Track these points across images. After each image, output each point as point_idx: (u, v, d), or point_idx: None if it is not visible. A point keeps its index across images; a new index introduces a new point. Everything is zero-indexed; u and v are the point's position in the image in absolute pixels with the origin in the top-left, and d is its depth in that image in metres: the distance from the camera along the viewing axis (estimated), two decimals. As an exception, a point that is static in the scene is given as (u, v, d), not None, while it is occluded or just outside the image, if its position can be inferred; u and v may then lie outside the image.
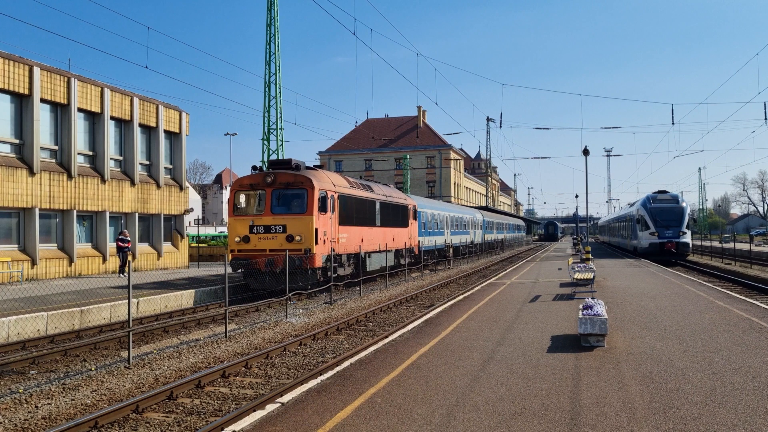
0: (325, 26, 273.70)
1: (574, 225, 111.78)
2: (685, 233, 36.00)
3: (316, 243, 19.67)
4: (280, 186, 20.12)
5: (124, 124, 28.47)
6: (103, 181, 26.61)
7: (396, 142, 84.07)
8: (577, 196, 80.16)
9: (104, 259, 26.50)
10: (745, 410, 6.41)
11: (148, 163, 29.99)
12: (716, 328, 11.42)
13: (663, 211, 36.82)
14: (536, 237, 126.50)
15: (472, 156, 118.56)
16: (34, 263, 22.96)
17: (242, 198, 20.64)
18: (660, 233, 35.93)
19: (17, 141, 23.11)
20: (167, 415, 7.97)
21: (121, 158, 28.33)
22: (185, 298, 18.46)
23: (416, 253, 32.19)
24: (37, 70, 23.41)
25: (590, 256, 26.37)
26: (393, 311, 17.69)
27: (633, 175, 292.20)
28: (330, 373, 8.51)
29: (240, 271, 20.13)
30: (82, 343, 12.19)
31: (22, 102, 23.25)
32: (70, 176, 24.85)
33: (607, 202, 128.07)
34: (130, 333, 10.85)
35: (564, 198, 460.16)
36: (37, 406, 8.35)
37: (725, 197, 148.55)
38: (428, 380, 7.93)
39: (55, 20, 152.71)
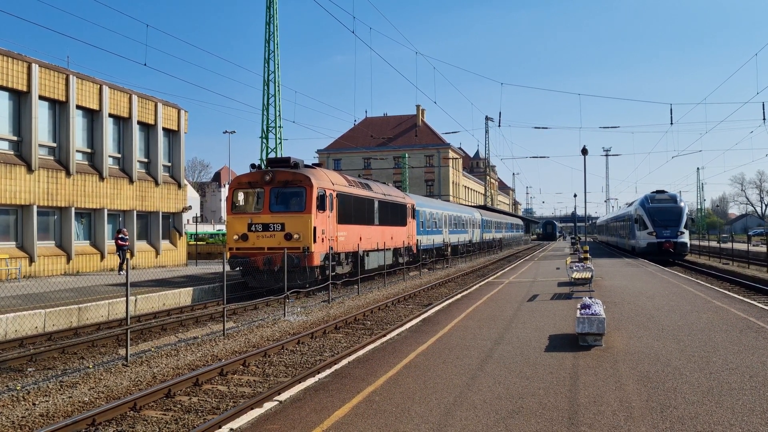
0: (324, 24, 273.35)
1: (572, 224, 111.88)
2: (683, 233, 36.01)
3: (315, 241, 19.66)
4: (279, 184, 20.10)
5: (122, 122, 28.44)
6: (102, 178, 26.58)
7: (395, 141, 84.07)
8: (575, 196, 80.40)
9: (102, 257, 26.48)
10: (742, 410, 6.43)
11: (146, 160, 29.96)
12: (714, 327, 11.44)
13: (661, 210, 36.84)
14: (534, 236, 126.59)
15: (471, 155, 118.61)
16: (32, 260, 22.94)
17: (241, 196, 20.62)
18: (658, 233, 35.95)
19: (15, 138, 23.08)
20: (165, 413, 7.97)
21: (119, 156, 28.31)
22: (183, 296, 18.45)
23: (414, 251, 32.20)
24: (35, 67, 23.37)
25: (588, 255, 26.37)
26: (391, 310, 17.69)
27: (631, 175, 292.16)
28: (328, 372, 8.51)
29: (238, 269, 20.11)
30: (79, 341, 12.18)
31: (20, 99, 23.21)
32: (68, 173, 24.82)
33: (605, 201, 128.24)
34: (128, 331, 10.85)
35: (562, 197, 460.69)
36: (34, 404, 8.35)
37: (723, 197, 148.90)
38: (426, 379, 7.93)
39: (53, 17, 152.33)
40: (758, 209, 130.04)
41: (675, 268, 31.75)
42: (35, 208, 23.25)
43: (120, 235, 24.22)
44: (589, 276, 17.86)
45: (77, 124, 25.72)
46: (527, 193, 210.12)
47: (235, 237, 19.98)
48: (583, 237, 50.38)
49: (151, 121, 29.87)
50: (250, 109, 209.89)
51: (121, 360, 10.87)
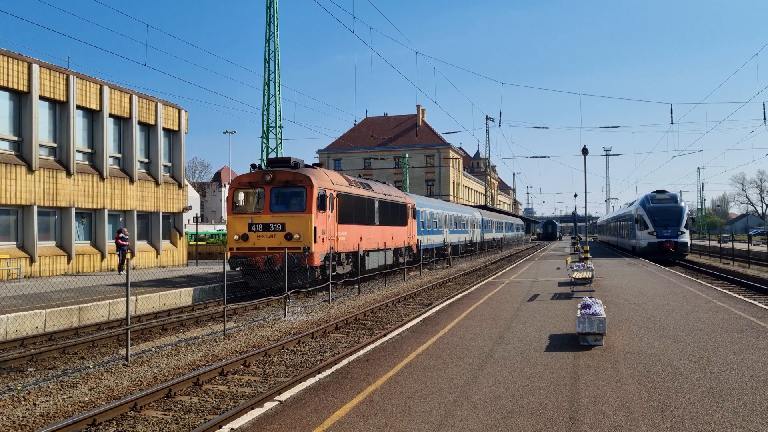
0: (324, 24, 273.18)
1: (573, 224, 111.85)
2: (683, 233, 36.02)
3: (315, 241, 19.66)
4: (279, 184, 20.11)
5: (122, 122, 28.44)
6: (102, 178, 26.58)
7: (395, 141, 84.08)
8: (576, 195, 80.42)
9: (102, 257, 26.48)
10: (742, 409, 6.42)
11: (146, 160, 29.96)
12: (714, 327, 11.43)
13: (661, 210, 36.84)
14: (535, 236, 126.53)
15: (471, 155, 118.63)
16: (32, 260, 22.94)
17: (241, 196, 20.63)
18: (658, 233, 35.94)
19: (16, 138, 23.09)
20: (165, 412, 7.97)
21: (119, 156, 28.31)
22: (184, 296, 18.45)
23: (415, 251, 32.20)
24: (35, 67, 23.37)
25: (589, 255, 26.36)
26: (391, 310, 17.69)
27: (632, 175, 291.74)
28: (328, 372, 8.51)
29: (239, 269, 20.12)
30: (80, 341, 12.18)
31: (20, 99, 23.22)
32: (68, 173, 24.82)
33: (605, 201, 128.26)
34: (129, 331, 10.85)
35: (563, 197, 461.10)
36: (35, 404, 8.35)
37: (724, 197, 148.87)
38: (427, 379, 7.93)
39: (54, 17, 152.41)
40: (759, 209, 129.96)
41: (675, 268, 31.74)
42: (36, 208, 23.26)
43: (120, 235, 24.22)
44: (590, 276, 17.85)
45: (77, 124, 25.73)
46: (528, 193, 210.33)
47: (236, 237, 19.98)
48: (583, 237, 50.42)
49: (152, 121, 29.87)
50: (250, 109, 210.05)
51: (121, 360, 10.87)
